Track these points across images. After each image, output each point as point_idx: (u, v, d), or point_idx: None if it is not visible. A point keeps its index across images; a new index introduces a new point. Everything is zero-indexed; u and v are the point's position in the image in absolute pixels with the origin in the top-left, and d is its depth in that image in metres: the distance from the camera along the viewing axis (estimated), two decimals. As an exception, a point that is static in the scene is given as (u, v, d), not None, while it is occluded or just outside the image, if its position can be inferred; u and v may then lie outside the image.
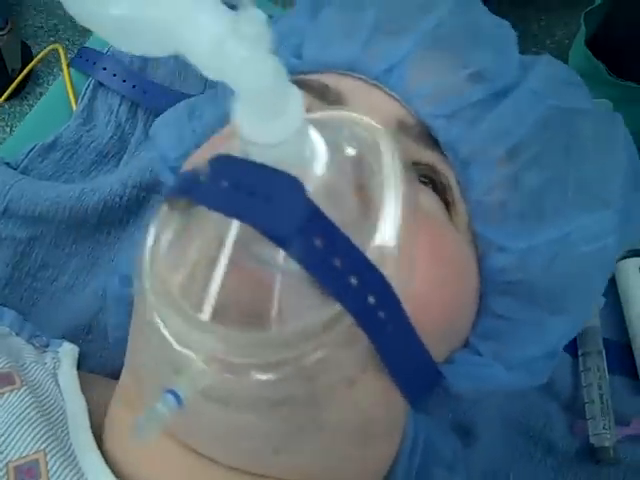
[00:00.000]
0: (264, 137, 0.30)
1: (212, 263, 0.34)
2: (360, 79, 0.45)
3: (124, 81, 0.77)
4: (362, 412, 0.40)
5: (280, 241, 0.30)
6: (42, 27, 1.95)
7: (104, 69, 0.78)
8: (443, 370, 0.43)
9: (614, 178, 0.47)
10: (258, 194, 0.30)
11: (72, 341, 0.56)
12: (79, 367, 0.53)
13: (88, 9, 0.28)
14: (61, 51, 0.81)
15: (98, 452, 0.43)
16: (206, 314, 0.34)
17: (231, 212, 0.32)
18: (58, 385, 0.49)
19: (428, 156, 0.44)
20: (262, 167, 0.31)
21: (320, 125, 0.35)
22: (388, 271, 0.34)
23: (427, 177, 0.44)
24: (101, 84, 0.78)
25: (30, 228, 0.68)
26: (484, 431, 0.62)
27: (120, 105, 0.77)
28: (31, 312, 0.66)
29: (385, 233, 0.35)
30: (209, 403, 0.36)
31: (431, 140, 0.44)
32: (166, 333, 0.34)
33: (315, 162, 0.33)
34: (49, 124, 0.76)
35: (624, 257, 0.70)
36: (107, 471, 0.42)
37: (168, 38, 0.28)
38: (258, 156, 0.31)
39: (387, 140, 0.38)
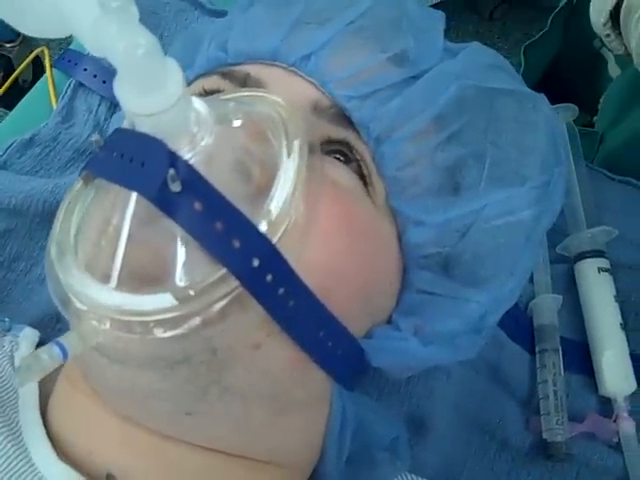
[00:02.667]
0: (143, 108, 0.32)
1: (114, 230, 0.36)
2: (281, 67, 0.47)
3: (104, 82, 0.79)
4: (272, 378, 0.41)
5: (152, 201, 0.32)
6: (54, 40, 1.98)
7: (85, 70, 0.80)
8: (362, 344, 0.44)
9: (532, 156, 0.49)
10: (135, 160, 0.33)
11: (42, 330, 0.57)
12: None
13: None
14: (46, 52, 0.83)
15: (42, 428, 0.45)
16: (106, 278, 0.36)
17: (109, 177, 0.35)
18: (13, 366, 0.51)
19: (342, 133, 0.46)
20: (141, 136, 0.33)
21: (220, 102, 0.37)
22: (278, 237, 0.36)
23: (342, 154, 0.45)
24: (82, 84, 0.80)
25: (5, 220, 0.69)
26: (438, 424, 0.63)
27: (99, 105, 0.79)
28: (4, 301, 0.67)
29: (277, 201, 0.36)
30: (110, 362, 0.39)
31: (346, 121, 0.46)
32: (69, 293, 0.36)
33: (201, 132, 0.35)
34: (31, 122, 0.78)
35: (584, 257, 0.71)
36: (48, 444, 0.44)
37: (59, 19, 0.30)
38: (141, 126, 0.33)
39: (287, 113, 0.40)
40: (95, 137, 0.36)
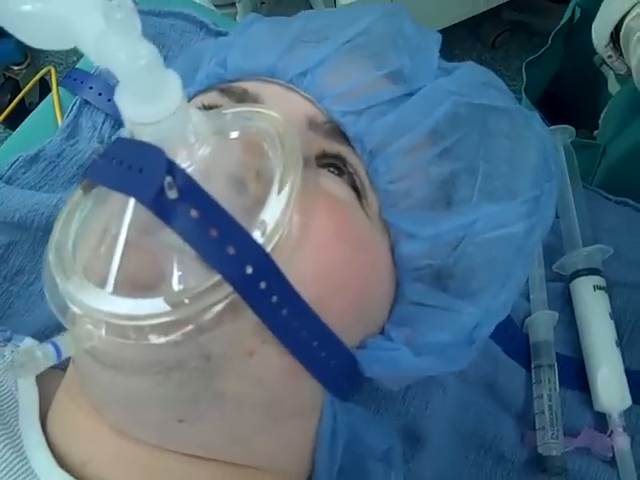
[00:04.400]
0: (143, 117, 0.34)
1: (111, 236, 0.37)
2: (278, 84, 0.48)
3: (109, 100, 0.80)
4: (265, 386, 0.42)
5: (148, 207, 0.33)
6: (62, 63, 2.01)
7: (90, 88, 0.81)
8: (355, 354, 0.45)
9: (523, 171, 0.50)
10: (134, 167, 0.34)
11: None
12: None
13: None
14: (53, 71, 0.85)
15: (42, 436, 0.45)
16: (103, 283, 0.37)
17: (107, 182, 0.36)
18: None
19: (336, 148, 0.46)
20: (140, 143, 0.34)
21: (218, 114, 0.38)
22: (272, 247, 0.36)
23: (336, 167, 0.46)
24: (87, 102, 0.81)
25: (9, 234, 0.70)
26: (434, 438, 0.63)
27: (104, 122, 0.80)
28: (6, 314, 0.68)
29: (272, 212, 0.37)
30: (104, 367, 0.39)
31: (341, 136, 0.47)
32: (65, 298, 0.37)
33: (198, 142, 0.36)
34: (36, 139, 0.79)
35: (579, 275, 0.72)
36: (47, 451, 0.44)
37: (65, 32, 0.32)
38: (140, 135, 0.35)
39: (283, 128, 0.41)
40: (96, 146, 0.38)
